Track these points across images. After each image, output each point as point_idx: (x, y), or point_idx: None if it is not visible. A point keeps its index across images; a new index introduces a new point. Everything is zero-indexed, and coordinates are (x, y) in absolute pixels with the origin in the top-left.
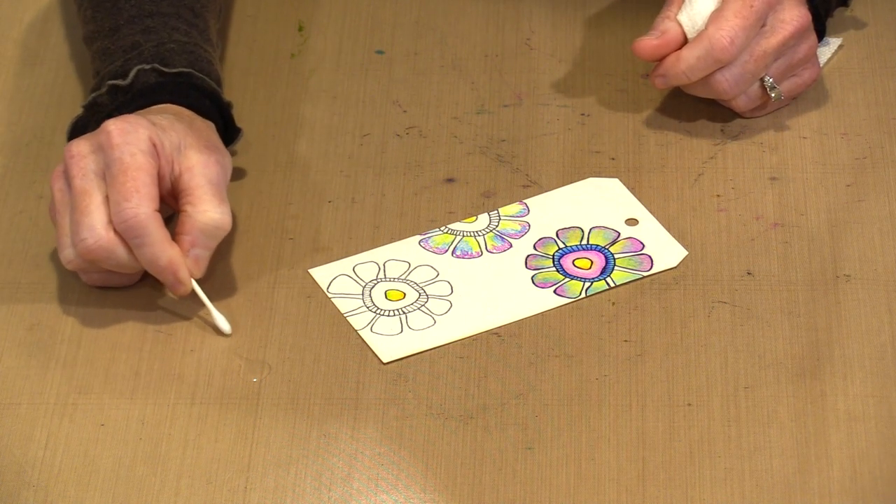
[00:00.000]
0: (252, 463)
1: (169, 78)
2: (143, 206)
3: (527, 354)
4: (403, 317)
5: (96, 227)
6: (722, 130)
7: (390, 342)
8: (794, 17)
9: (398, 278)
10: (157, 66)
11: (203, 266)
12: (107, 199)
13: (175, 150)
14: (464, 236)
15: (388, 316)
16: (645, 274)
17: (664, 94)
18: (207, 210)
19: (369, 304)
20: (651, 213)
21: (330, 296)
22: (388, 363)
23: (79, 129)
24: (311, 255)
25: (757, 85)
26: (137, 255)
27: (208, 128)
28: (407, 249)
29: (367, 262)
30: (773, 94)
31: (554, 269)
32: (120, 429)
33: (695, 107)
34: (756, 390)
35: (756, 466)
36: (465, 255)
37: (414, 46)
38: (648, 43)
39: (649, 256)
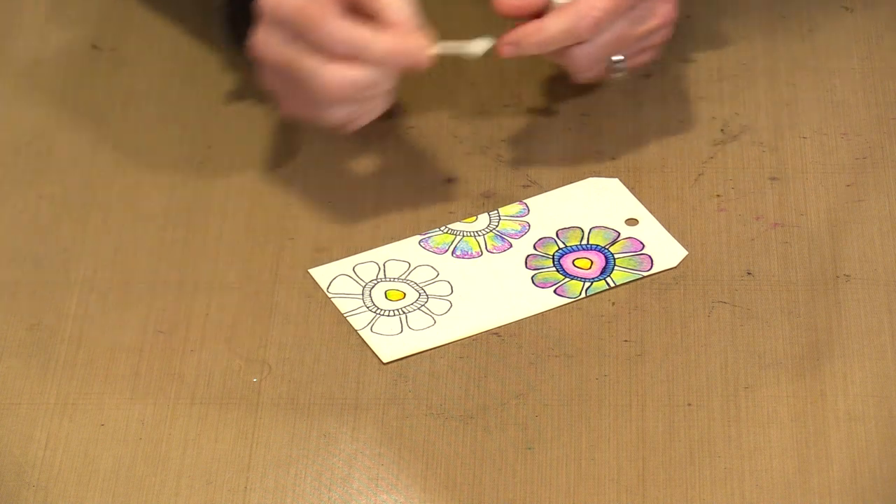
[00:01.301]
0: (252, 463)
1: None
2: (335, 21)
3: (527, 354)
4: (403, 317)
5: (317, 68)
6: (722, 130)
7: (390, 342)
8: (665, 11)
9: (398, 278)
10: None
11: (422, 27)
12: (311, 52)
13: None
14: (464, 236)
15: (388, 316)
16: (645, 274)
17: (664, 95)
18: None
19: (369, 304)
20: (651, 213)
21: (330, 296)
22: (388, 363)
23: (230, 21)
24: (311, 255)
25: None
26: (367, 63)
27: None
28: (407, 249)
29: (367, 262)
30: (617, 75)
31: (554, 269)
32: (120, 429)
33: (695, 107)
34: (756, 390)
35: (756, 466)
36: (465, 255)
37: None
38: (510, 1)
39: (649, 256)
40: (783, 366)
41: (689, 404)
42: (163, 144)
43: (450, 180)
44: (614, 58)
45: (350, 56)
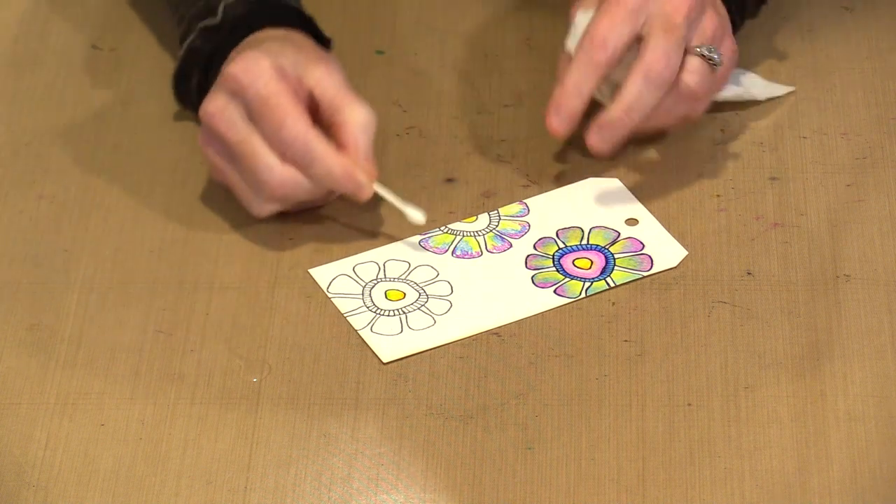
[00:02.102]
0: (252, 463)
1: (253, 5)
2: (298, 124)
3: (527, 354)
4: (403, 317)
5: (271, 165)
6: (722, 130)
7: (390, 342)
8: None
9: (398, 278)
10: None
11: (373, 164)
12: (263, 138)
13: (295, 70)
14: (464, 236)
15: (388, 316)
16: (645, 274)
17: None
18: (355, 110)
19: (369, 304)
20: (651, 213)
21: (330, 296)
22: (388, 363)
23: (181, 80)
24: (311, 255)
25: (698, 63)
26: (311, 176)
27: (305, 39)
28: (407, 249)
29: (367, 262)
30: (715, 61)
31: (554, 269)
32: (120, 429)
33: None
34: (756, 390)
35: (756, 466)
36: (465, 255)
37: (414, 46)
38: (558, 124)
39: (649, 256)
40: (783, 366)
41: (689, 404)
42: (163, 144)
43: (450, 180)
44: (699, 49)
45: (299, 163)
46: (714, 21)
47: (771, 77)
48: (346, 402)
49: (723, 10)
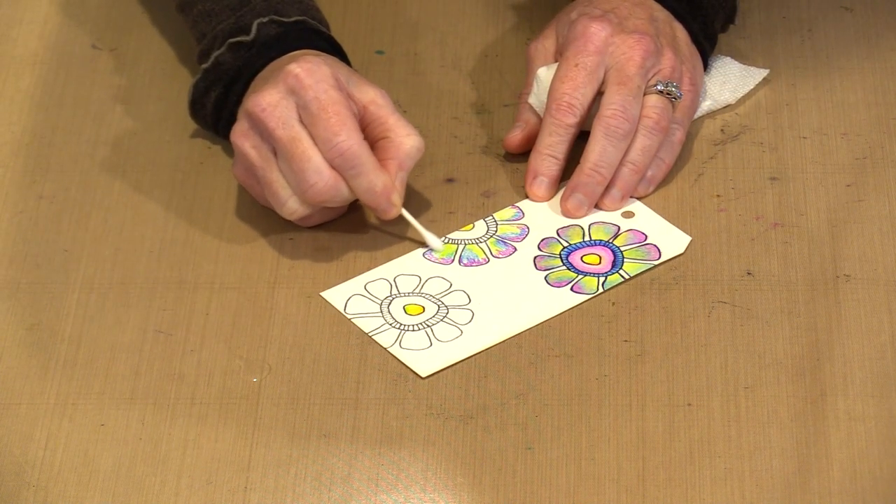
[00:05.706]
0: (252, 463)
1: (288, 27)
2: (352, 136)
3: (527, 354)
4: (429, 330)
5: (322, 169)
6: (722, 130)
7: (423, 356)
8: (632, 44)
9: (413, 293)
10: (274, 17)
11: (404, 189)
12: (313, 141)
13: (348, 84)
14: (466, 245)
15: (414, 331)
16: (656, 263)
17: None
18: (409, 134)
19: (391, 321)
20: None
21: (349, 316)
22: (426, 377)
23: (200, 92)
24: (312, 254)
25: (656, 98)
26: (353, 186)
27: (340, 62)
28: (414, 263)
29: (377, 280)
30: (673, 94)
31: (564, 267)
32: (120, 429)
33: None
34: (756, 390)
35: (756, 466)
36: (473, 263)
37: (414, 46)
38: (515, 139)
39: (655, 246)
40: (783, 366)
41: (689, 404)
42: (163, 144)
43: (450, 180)
44: (657, 87)
45: (345, 173)
46: (672, 60)
47: (771, 76)
48: (346, 402)
49: (688, 48)
